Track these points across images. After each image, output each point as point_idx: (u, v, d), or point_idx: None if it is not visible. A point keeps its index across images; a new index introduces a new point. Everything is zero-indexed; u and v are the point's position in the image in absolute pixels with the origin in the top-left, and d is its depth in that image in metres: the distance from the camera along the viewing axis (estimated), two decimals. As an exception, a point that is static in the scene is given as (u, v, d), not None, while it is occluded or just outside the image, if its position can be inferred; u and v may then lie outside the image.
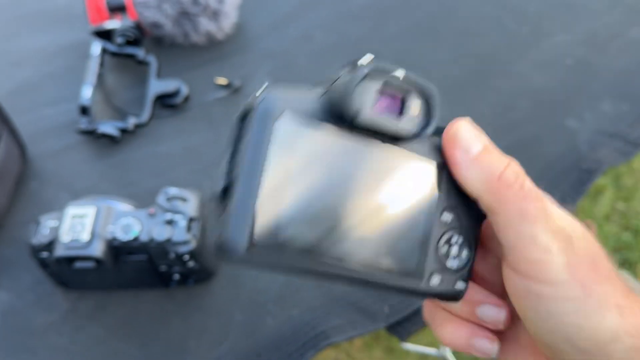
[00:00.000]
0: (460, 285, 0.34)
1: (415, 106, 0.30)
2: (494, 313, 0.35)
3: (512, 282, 0.32)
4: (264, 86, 0.29)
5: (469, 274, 0.34)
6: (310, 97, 0.30)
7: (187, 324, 0.68)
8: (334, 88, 0.29)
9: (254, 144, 0.28)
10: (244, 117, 0.29)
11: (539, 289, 0.31)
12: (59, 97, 0.87)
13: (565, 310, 0.30)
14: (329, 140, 0.29)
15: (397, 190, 0.31)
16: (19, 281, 0.72)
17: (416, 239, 0.32)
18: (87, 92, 0.81)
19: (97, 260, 0.62)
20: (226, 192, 0.28)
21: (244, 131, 0.29)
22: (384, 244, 0.31)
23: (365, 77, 0.29)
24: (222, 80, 0.88)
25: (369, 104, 0.29)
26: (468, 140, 0.32)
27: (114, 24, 0.88)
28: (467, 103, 0.84)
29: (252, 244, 0.27)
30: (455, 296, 0.34)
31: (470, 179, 0.32)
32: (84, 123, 0.81)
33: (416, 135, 0.31)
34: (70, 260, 0.63)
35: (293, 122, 0.28)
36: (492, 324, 0.35)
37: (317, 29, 0.95)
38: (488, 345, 0.35)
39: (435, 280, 0.33)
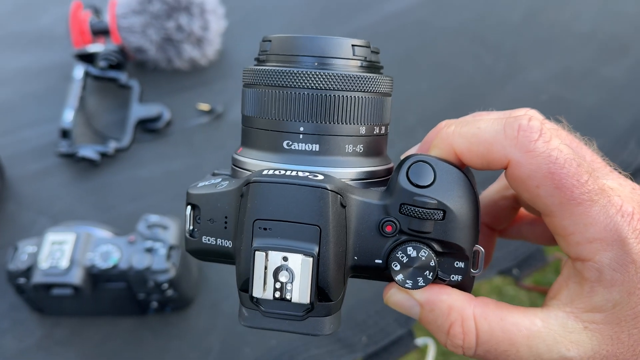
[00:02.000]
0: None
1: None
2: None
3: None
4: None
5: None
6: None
7: (164, 352, 0.68)
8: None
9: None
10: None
11: None
12: (40, 119, 0.87)
13: None
14: None
15: None
16: (-6, 306, 0.71)
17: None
18: (68, 116, 0.81)
19: (75, 288, 0.62)
20: None
21: None
22: None
23: None
24: (204, 106, 0.89)
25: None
26: (404, 310, 0.34)
27: (97, 47, 0.89)
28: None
29: None
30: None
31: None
32: (64, 146, 0.81)
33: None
34: (48, 286, 0.62)
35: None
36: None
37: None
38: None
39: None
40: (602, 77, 0.91)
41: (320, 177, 0.31)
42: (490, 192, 0.41)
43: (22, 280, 0.64)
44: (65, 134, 0.81)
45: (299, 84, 0.33)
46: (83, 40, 0.90)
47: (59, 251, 0.63)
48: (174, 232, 0.65)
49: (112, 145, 0.82)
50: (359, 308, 0.70)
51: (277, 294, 0.31)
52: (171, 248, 0.64)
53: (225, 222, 0.33)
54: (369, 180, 0.34)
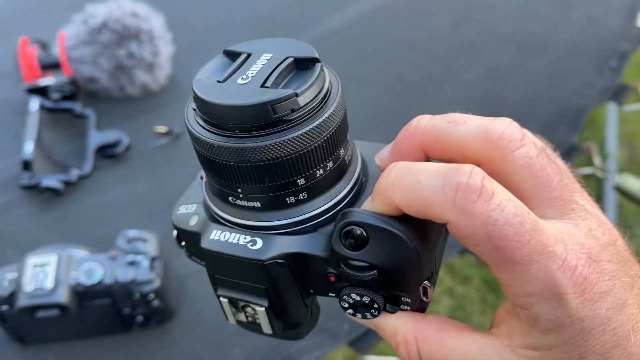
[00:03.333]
0: None
1: None
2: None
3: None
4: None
5: None
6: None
7: (153, 364, 0.69)
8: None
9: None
10: None
11: None
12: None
13: None
14: None
15: None
16: (-30, 341, 0.70)
17: None
18: (29, 147, 0.81)
19: (62, 307, 0.63)
20: None
21: None
22: None
23: None
24: (161, 129, 0.91)
25: None
26: (366, 325, 0.35)
27: (48, 80, 0.90)
28: (393, 137, 0.91)
29: None
30: None
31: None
32: (25, 178, 0.81)
33: None
34: (33, 309, 0.63)
35: None
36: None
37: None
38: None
39: None
40: (528, 71, 0.99)
41: (259, 244, 0.33)
42: None
43: (4, 307, 0.63)
44: (27, 165, 0.81)
45: (223, 157, 0.31)
46: (33, 74, 0.91)
47: (42, 273, 0.63)
48: (153, 244, 0.67)
49: (74, 173, 0.83)
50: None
51: (250, 319, 0.35)
52: (153, 259, 0.66)
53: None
54: (316, 222, 0.34)
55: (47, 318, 0.64)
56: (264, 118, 0.30)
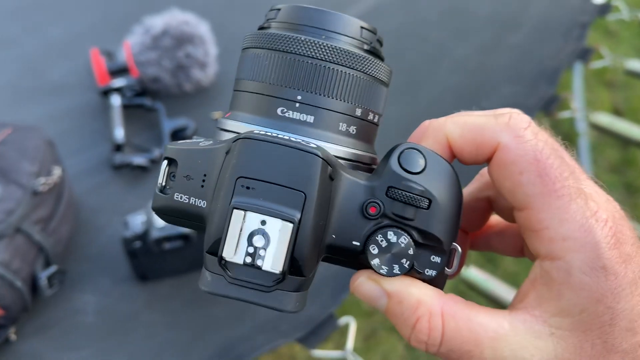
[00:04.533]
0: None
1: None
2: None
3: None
4: None
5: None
6: None
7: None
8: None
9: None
10: None
11: None
12: (81, 147, 1.04)
13: None
14: None
15: None
16: (101, 285, 0.87)
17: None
18: (119, 132, 0.99)
19: (185, 237, 0.80)
20: None
21: None
22: None
23: None
24: (218, 114, 1.09)
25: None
26: (371, 301, 0.33)
27: (120, 82, 1.08)
28: (404, 108, 1.12)
29: None
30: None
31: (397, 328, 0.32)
32: (117, 159, 0.99)
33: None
34: (163, 240, 0.80)
35: None
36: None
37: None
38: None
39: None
40: (508, 44, 1.22)
41: (314, 145, 0.31)
42: (465, 194, 0.38)
43: (137, 244, 0.81)
44: (118, 147, 0.99)
45: (305, 51, 0.32)
46: (105, 79, 1.09)
47: (167, 213, 0.81)
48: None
49: (156, 153, 1.01)
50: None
51: (248, 259, 0.30)
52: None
53: (203, 181, 0.32)
54: (357, 163, 0.34)
55: (172, 250, 0.81)
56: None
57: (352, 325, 0.85)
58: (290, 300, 0.31)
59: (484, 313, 0.31)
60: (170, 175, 0.33)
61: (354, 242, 0.31)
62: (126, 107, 1.07)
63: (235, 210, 0.29)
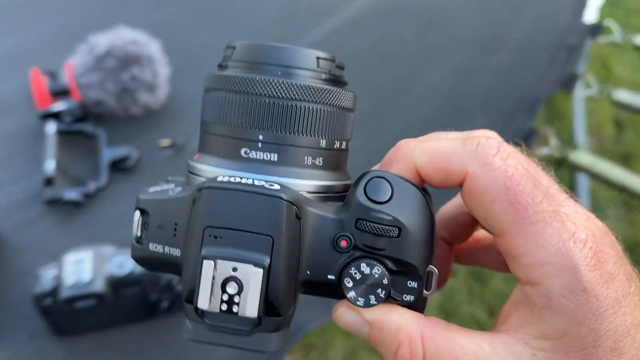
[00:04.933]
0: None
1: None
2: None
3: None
4: None
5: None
6: None
7: (184, 348, 0.79)
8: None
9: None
10: None
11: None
12: (16, 177, 0.96)
13: None
14: None
15: None
16: (16, 339, 0.79)
17: None
18: (50, 165, 0.91)
19: (99, 296, 0.72)
20: None
21: None
22: None
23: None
24: (165, 142, 1.01)
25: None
26: (353, 330, 0.33)
27: (60, 106, 0.99)
28: (370, 139, 1.03)
29: None
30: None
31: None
32: (48, 193, 0.91)
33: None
34: (74, 300, 0.72)
35: None
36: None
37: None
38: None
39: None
40: (488, 68, 1.12)
41: (277, 186, 0.31)
42: (449, 207, 0.39)
43: (48, 301, 0.73)
44: (49, 181, 0.91)
45: (262, 91, 0.32)
46: (45, 102, 1.01)
47: (80, 268, 0.73)
48: (173, 238, 0.77)
49: (91, 186, 0.93)
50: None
51: (224, 307, 0.30)
52: (174, 250, 0.76)
53: (175, 230, 0.32)
54: (326, 195, 0.34)
55: (86, 308, 0.73)
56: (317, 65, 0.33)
57: None
58: (271, 340, 0.32)
59: (465, 335, 0.31)
60: (145, 225, 0.33)
61: (329, 276, 0.32)
62: (65, 134, 0.99)
63: (205, 261, 0.30)
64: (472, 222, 0.39)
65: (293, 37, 1.21)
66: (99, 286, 0.72)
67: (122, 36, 1.01)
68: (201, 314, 0.31)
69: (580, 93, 1.14)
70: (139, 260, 0.34)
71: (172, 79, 1.08)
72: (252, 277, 0.30)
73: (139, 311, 0.79)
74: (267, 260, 0.30)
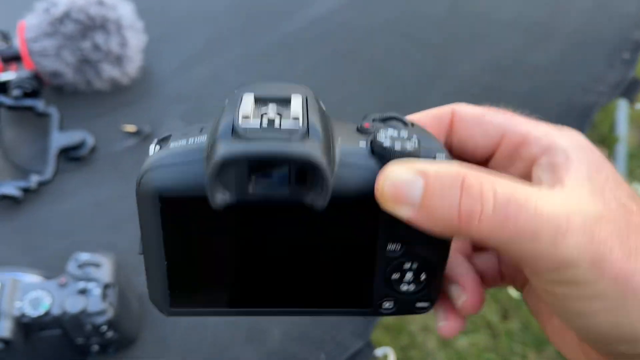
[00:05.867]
0: (421, 304, 0.33)
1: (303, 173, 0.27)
2: (453, 325, 0.34)
3: (532, 281, 0.30)
4: (152, 150, 0.29)
5: (431, 294, 0.32)
6: (196, 166, 0.27)
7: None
8: (210, 167, 0.25)
9: (146, 225, 0.29)
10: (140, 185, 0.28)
11: (563, 291, 0.27)
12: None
13: (596, 309, 0.27)
14: (224, 211, 0.27)
15: (325, 234, 0.30)
16: None
17: (355, 273, 0.31)
18: (-19, 153, 0.75)
19: (5, 342, 0.57)
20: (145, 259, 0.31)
21: (139, 207, 0.29)
22: (318, 283, 0.32)
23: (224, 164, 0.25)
24: (130, 128, 0.84)
25: (242, 185, 0.26)
26: (403, 194, 0.27)
27: (8, 75, 0.83)
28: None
29: (172, 307, 0.32)
30: (418, 313, 0.33)
31: (433, 231, 0.27)
32: (-20, 185, 0.75)
33: (317, 208, 0.27)
34: (-26, 344, 0.57)
35: (179, 197, 0.28)
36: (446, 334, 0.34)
37: (227, 69, 0.93)
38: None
39: (388, 305, 0.32)
40: (530, 64, 0.91)
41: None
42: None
43: (-56, 339, 0.58)
44: (-20, 172, 0.75)
45: None
46: (-8, 68, 0.84)
47: (-17, 304, 0.58)
48: (107, 268, 0.61)
49: (34, 179, 0.77)
50: (314, 324, 0.68)
51: (265, 121, 0.26)
52: (106, 287, 0.60)
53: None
54: None
55: (-10, 351, 0.58)
56: None
57: (391, 356, 0.75)
58: (319, 148, 0.26)
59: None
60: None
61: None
62: (11, 110, 0.83)
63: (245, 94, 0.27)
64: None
65: (301, 6, 1.01)
66: (5, 329, 0.57)
67: (86, -6, 0.83)
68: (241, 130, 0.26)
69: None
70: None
71: (148, 50, 0.90)
72: (294, 99, 0.27)
73: (65, 354, 0.63)
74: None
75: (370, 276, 0.31)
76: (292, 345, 0.65)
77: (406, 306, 0.33)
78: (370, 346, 0.67)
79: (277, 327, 0.67)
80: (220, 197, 0.26)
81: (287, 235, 0.30)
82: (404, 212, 0.27)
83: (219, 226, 0.29)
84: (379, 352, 0.67)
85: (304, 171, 0.26)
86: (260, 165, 0.26)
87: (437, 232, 0.27)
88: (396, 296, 0.32)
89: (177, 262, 0.30)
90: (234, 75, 0.92)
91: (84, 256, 0.61)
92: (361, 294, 0.32)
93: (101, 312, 0.59)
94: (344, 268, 0.31)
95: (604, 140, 1.55)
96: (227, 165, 0.25)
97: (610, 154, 1.54)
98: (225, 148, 0.25)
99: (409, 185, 0.27)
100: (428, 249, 0.31)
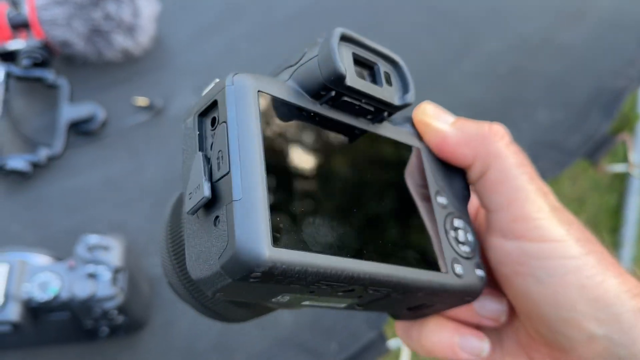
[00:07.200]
0: (480, 272, 0.31)
1: (389, 76, 0.31)
2: (495, 305, 0.34)
3: (505, 250, 0.31)
4: (215, 81, 0.27)
5: (480, 260, 0.32)
6: (277, 81, 0.28)
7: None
8: (306, 61, 0.28)
9: (238, 127, 0.24)
10: (204, 112, 0.26)
11: (535, 249, 0.29)
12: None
13: (565, 269, 0.29)
14: (307, 123, 0.28)
15: (389, 179, 0.30)
16: None
17: (424, 228, 0.30)
18: (-9, 123, 0.73)
19: (14, 325, 0.56)
20: (214, 200, 0.23)
21: (215, 123, 0.25)
22: (396, 236, 0.29)
23: (340, 39, 0.28)
24: (142, 101, 0.82)
25: (350, 70, 0.28)
26: (439, 113, 0.33)
27: (18, 44, 0.80)
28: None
29: (275, 244, 0.22)
30: (476, 289, 0.31)
31: (458, 145, 0.32)
32: (-12, 159, 0.73)
33: (399, 107, 0.30)
34: (-20, 327, 0.56)
35: (271, 100, 0.26)
36: (493, 318, 0.34)
37: (242, 41, 0.90)
38: (477, 343, 0.33)
39: (459, 269, 0.30)
40: (560, 44, 0.87)
41: None
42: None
43: (-50, 320, 0.57)
44: (-12, 145, 0.73)
45: None
46: (2, 36, 0.81)
47: (-9, 286, 0.56)
48: (117, 252, 0.60)
49: (43, 153, 0.75)
50: (326, 313, 0.66)
51: (370, 78, 0.30)
52: (116, 271, 0.58)
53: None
54: None
55: (0, 333, 0.57)
56: None
57: (405, 349, 0.71)
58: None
59: None
60: None
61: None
62: (21, 80, 0.80)
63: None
64: None
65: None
66: (13, 313, 0.56)
67: (98, -39, 0.80)
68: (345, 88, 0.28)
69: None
70: None
71: (161, 19, 0.87)
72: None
73: (73, 335, 0.62)
74: None
75: (437, 233, 0.30)
76: (303, 333, 0.64)
77: (470, 274, 0.31)
78: (382, 337, 0.65)
79: (288, 313, 0.66)
80: (341, 65, 0.27)
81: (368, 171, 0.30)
82: (441, 124, 0.32)
83: (310, 143, 0.27)
84: (391, 343, 0.66)
85: (388, 74, 0.31)
86: (358, 60, 0.29)
87: (465, 153, 0.32)
88: (460, 259, 0.31)
89: (277, 179, 0.24)
90: (249, 47, 0.89)
91: (93, 238, 0.60)
92: (434, 252, 0.30)
93: (111, 297, 0.57)
94: (411, 221, 0.30)
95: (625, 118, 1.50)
96: (344, 38, 0.28)
97: (631, 132, 1.50)
98: (341, 29, 0.28)
99: (440, 126, 0.33)
100: (461, 205, 0.33)
